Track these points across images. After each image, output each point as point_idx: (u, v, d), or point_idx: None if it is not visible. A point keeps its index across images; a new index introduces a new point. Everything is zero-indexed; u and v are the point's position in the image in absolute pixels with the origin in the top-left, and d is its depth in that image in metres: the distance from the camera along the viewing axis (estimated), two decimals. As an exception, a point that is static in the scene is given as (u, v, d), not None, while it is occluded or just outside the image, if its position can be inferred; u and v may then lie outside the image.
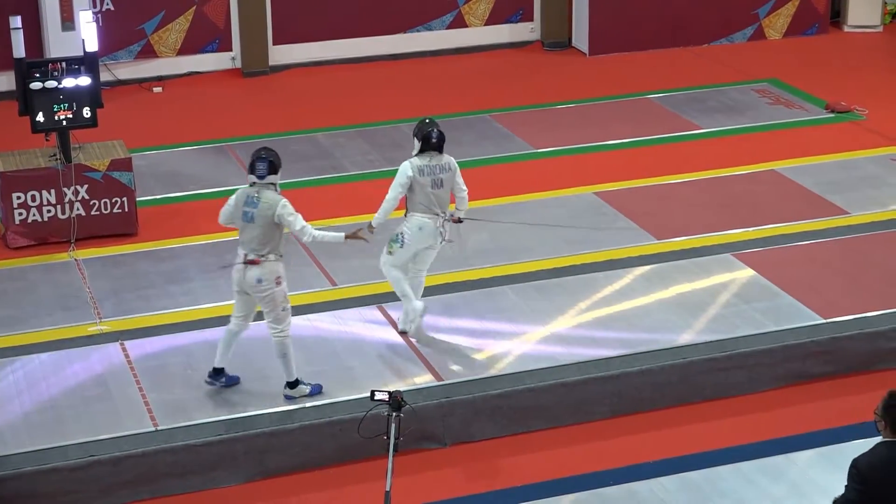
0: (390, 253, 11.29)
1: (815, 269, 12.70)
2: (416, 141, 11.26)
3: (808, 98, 17.69)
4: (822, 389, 11.30)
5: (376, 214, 11.15)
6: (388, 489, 8.18)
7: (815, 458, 10.32)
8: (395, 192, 11.11)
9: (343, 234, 10.50)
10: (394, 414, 8.26)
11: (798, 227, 13.60)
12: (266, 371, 10.97)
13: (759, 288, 12.31)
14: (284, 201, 10.25)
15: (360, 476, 10.13)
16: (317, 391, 10.53)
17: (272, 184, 10.41)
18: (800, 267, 12.75)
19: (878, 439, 7.52)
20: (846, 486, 7.44)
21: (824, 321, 11.68)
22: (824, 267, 12.76)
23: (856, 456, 7.48)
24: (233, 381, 10.69)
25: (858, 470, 7.39)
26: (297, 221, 10.25)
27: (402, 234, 11.24)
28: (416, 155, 11.20)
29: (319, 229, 10.48)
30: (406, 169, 11.11)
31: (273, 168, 10.40)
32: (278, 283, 10.26)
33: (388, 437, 8.23)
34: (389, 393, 8.31)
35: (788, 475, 10.11)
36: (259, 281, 10.23)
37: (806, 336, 11.47)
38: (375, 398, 8.32)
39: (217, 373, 10.64)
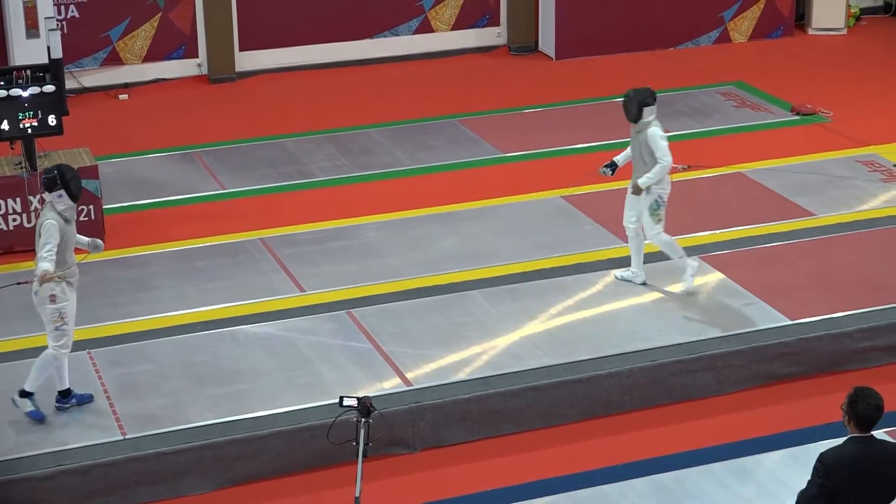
0: (659, 220, 11.78)
1: (781, 271, 12.77)
2: (649, 108, 11.62)
3: (773, 101, 17.78)
4: (790, 390, 11.36)
5: (651, 175, 11.62)
6: (357, 495, 8.18)
7: (784, 458, 10.36)
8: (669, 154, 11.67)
9: (45, 267, 9.88)
10: (363, 419, 8.26)
11: (765, 230, 13.67)
12: (234, 378, 10.95)
13: (727, 290, 12.36)
14: (47, 223, 9.94)
15: (331, 482, 10.11)
16: (36, 417, 10.28)
17: (53, 202, 10.03)
18: (767, 269, 12.82)
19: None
20: (809, 480, 7.48)
21: (791, 322, 11.74)
22: (791, 269, 12.83)
23: (822, 451, 7.53)
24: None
25: (824, 464, 7.44)
26: (43, 247, 9.93)
27: (660, 197, 11.74)
28: (654, 119, 11.70)
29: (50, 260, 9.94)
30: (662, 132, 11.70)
31: (49, 184, 10.02)
32: (52, 301, 10.06)
33: (358, 443, 8.22)
34: (358, 398, 8.30)
35: (757, 476, 10.16)
36: (35, 293, 10.12)
37: (773, 337, 11.52)
38: (344, 404, 8.31)
39: (64, 395, 10.48)
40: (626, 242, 12.38)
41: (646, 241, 12.16)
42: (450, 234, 13.69)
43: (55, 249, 9.93)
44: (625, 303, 12.14)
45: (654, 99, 11.71)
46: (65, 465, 9.84)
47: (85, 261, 10.60)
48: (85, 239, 10.53)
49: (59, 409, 10.47)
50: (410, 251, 13.29)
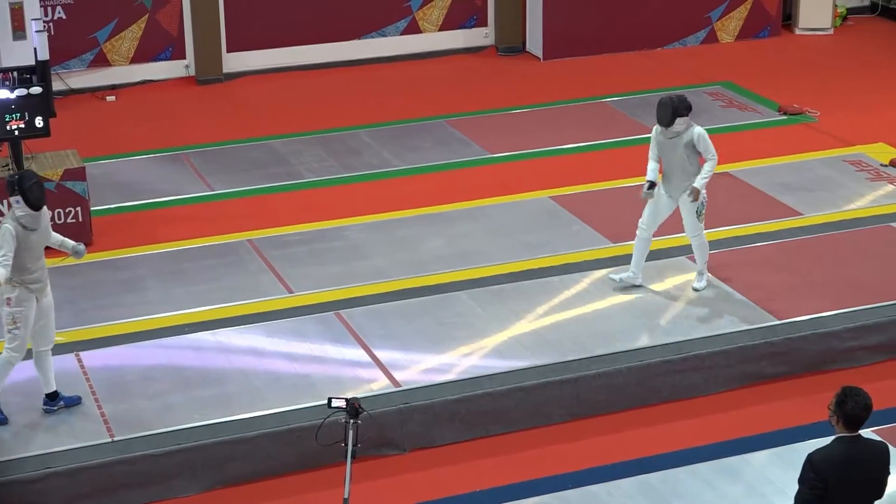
0: (703, 221, 11.88)
1: (768, 271, 12.80)
2: (682, 119, 11.68)
3: (760, 100, 17.82)
4: (777, 390, 11.39)
5: (706, 175, 11.72)
6: (346, 496, 8.19)
7: (771, 458, 10.38)
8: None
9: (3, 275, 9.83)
10: (351, 421, 8.26)
11: (752, 229, 13.70)
12: (223, 380, 10.95)
13: (714, 290, 12.39)
14: (3, 228, 9.87)
15: (321, 483, 10.11)
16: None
17: (14, 207, 9.97)
18: (754, 269, 12.85)
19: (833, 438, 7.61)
20: (800, 484, 7.50)
21: (779, 322, 11.77)
22: (778, 268, 12.86)
23: (810, 452, 7.55)
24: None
25: (813, 465, 7.46)
26: None
27: (705, 197, 11.82)
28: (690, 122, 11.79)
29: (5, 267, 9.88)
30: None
31: (9, 189, 9.94)
32: (7, 304, 9.99)
33: (346, 444, 8.23)
34: (347, 400, 8.30)
35: (745, 476, 10.18)
36: None
37: (761, 337, 11.55)
38: (333, 405, 8.31)
39: (52, 398, 10.48)
40: (614, 242, 12.36)
41: (693, 241, 12.11)
42: (438, 234, 13.70)
43: (10, 255, 9.81)
44: (612, 303, 12.15)
45: (690, 109, 11.73)
46: (52, 468, 9.82)
47: (76, 263, 10.55)
48: (70, 242, 10.50)
49: (46, 411, 10.45)
50: (398, 252, 13.29)
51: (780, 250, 13.26)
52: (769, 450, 10.47)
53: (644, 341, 11.48)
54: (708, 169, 11.73)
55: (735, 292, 12.30)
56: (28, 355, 10.36)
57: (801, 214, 14.05)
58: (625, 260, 12.70)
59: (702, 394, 11.30)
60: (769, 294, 12.26)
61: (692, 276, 12.54)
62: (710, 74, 18.95)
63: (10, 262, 9.83)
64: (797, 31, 21.02)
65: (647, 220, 12.05)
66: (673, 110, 11.64)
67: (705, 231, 12.15)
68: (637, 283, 12.26)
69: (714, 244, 13.26)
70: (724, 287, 12.41)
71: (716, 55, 19.98)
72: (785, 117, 17.19)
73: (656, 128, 11.90)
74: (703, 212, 11.91)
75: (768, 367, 11.48)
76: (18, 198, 9.91)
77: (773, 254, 13.18)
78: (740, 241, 13.41)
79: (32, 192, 9.92)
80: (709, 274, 12.34)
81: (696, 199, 11.75)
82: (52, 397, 10.48)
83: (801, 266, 12.91)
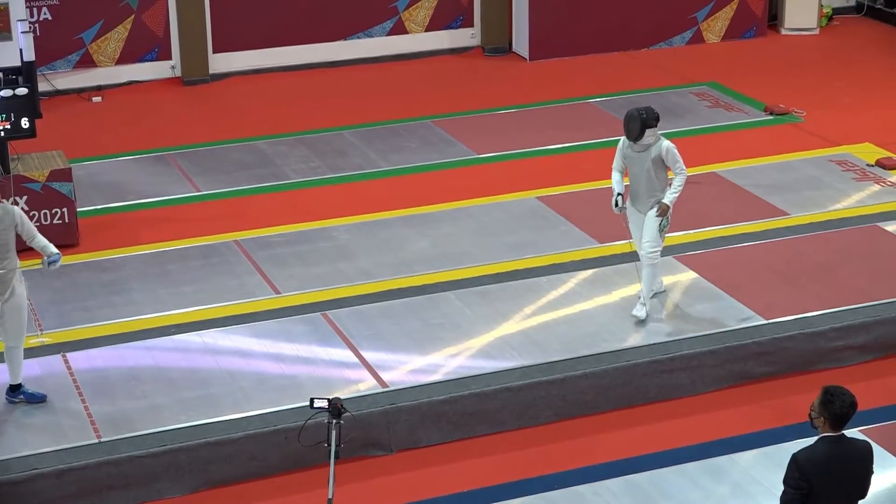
0: (663, 238, 11.63)
1: (755, 271, 12.81)
2: (651, 130, 11.45)
3: (747, 101, 17.84)
4: (764, 390, 11.40)
5: (677, 189, 11.48)
6: (330, 497, 8.17)
7: (758, 457, 10.40)
8: None
9: None
10: (334, 421, 8.24)
11: (738, 229, 13.72)
12: (209, 381, 10.93)
13: (701, 290, 12.40)
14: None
15: (306, 484, 10.10)
16: (38, 398, 10.42)
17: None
18: (740, 268, 12.86)
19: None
20: (785, 484, 7.51)
21: (765, 322, 11.79)
22: (765, 268, 12.87)
23: (795, 452, 7.57)
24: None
25: (797, 464, 7.48)
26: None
27: (670, 218, 11.60)
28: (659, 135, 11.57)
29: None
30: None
31: None
32: None
33: (330, 445, 8.21)
34: (329, 400, 8.28)
35: (732, 475, 10.19)
36: None
37: (747, 337, 11.56)
38: (315, 406, 8.29)
39: (13, 389, 10.52)
40: (601, 243, 12.29)
41: (648, 260, 11.67)
42: (424, 235, 13.69)
43: None
44: (599, 303, 12.16)
45: (658, 120, 11.48)
46: (39, 469, 9.79)
47: (62, 264, 10.52)
48: (53, 249, 10.39)
49: (8, 401, 10.49)
50: (384, 253, 13.28)
51: (767, 250, 13.27)
52: (756, 449, 10.48)
53: (631, 341, 11.49)
54: (678, 184, 11.48)
55: (722, 292, 12.31)
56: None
57: (788, 214, 14.07)
58: (611, 260, 12.74)
59: (689, 394, 11.31)
60: (756, 294, 12.27)
61: (681, 276, 12.56)
62: (696, 75, 18.97)
63: None
64: (783, 32, 21.05)
65: (638, 244, 11.77)
66: (642, 123, 11.39)
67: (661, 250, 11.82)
68: (662, 290, 12.17)
69: (701, 244, 13.31)
70: (712, 287, 12.42)
71: (702, 55, 20.00)
72: (771, 117, 17.22)
73: (623, 139, 11.69)
74: (667, 228, 11.65)
75: (755, 366, 11.49)
76: None
77: (759, 254, 13.19)
78: (727, 242, 13.42)
79: None
80: (648, 304, 11.82)
81: (663, 216, 11.52)
82: (15, 389, 10.51)
83: (787, 266, 12.92)
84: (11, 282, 10.21)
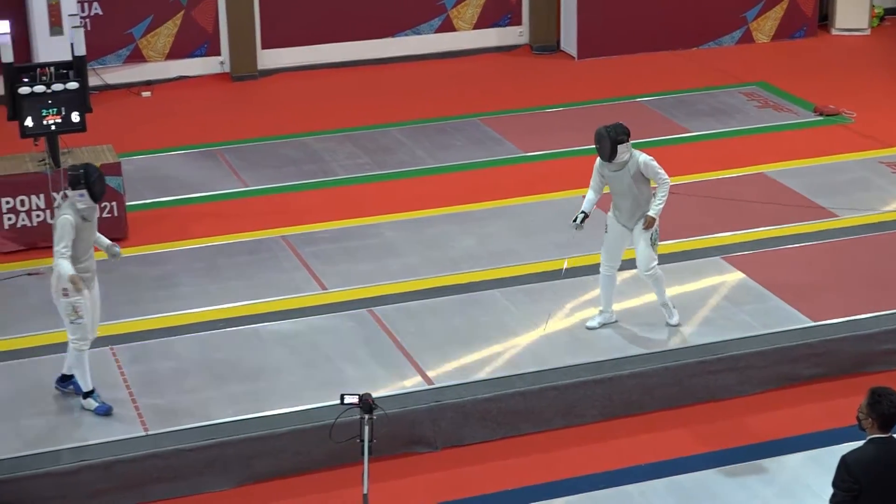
0: (656, 251, 11.42)
1: (804, 272, 12.73)
2: (623, 146, 11.17)
3: (796, 101, 17.73)
4: (813, 392, 11.32)
5: (661, 201, 11.21)
6: (365, 492, 8.16)
7: (805, 460, 10.33)
8: None
9: (70, 272, 10.03)
10: (366, 416, 8.24)
11: (787, 230, 13.63)
12: (256, 375, 10.97)
13: (749, 291, 12.33)
14: (63, 219, 10.07)
15: (349, 480, 10.07)
16: (102, 411, 10.38)
17: (74, 199, 10.15)
18: (789, 270, 12.78)
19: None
20: (835, 483, 7.46)
21: (814, 324, 11.70)
22: (813, 270, 12.79)
23: (844, 454, 7.52)
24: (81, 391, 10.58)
25: (847, 466, 7.43)
26: (58, 243, 10.08)
27: (658, 229, 11.38)
28: (631, 150, 11.28)
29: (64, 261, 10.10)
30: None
31: (74, 182, 10.09)
32: (65, 295, 10.13)
33: (362, 440, 8.21)
34: (360, 396, 8.28)
35: (779, 477, 10.12)
36: (51, 286, 10.26)
37: (797, 339, 11.49)
38: (346, 402, 8.28)
39: (63, 380, 10.63)
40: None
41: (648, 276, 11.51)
42: (470, 233, 13.69)
43: (70, 245, 10.04)
44: (646, 302, 12.09)
45: (628, 135, 11.20)
46: (86, 461, 9.87)
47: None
48: (106, 241, 10.60)
49: (57, 389, 10.61)
50: (430, 250, 13.29)
51: (816, 252, 13.18)
52: (804, 452, 10.41)
53: (678, 341, 11.43)
54: (662, 195, 11.22)
55: (770, 293, 12.24)
56: (56, 349, 10.44)
57: (837, 216, 13.96)
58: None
59: (736, 395, 11.24)
60: (804, 295, 12.18)
61: (728, 277, 12.49)
62: (745, 74, 18.87)
63: (69, 254, 10.01)
64: (833, 32, 20.90)
65: (607, 258, 11.54)
66: (612, 141, 11.13)
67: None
68: (614, 321, 11.76)
69: (749, 245, 13.23)
70: (760, 288, 12.35)
71: (751, 55, 19.90)
72: (821, 118, 17.10)
73: (598, 160, 11.43)
74: (658, 240, 11.45)
75: (804, 368, 11.41)
76: (84, 191, 10.10)
77: (808, 255, 13.10)
78: (775, 243, 13.34)
79: (98, 185, 10.16)
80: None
81: (650, 228, 11.29)
82: (64, 380, 10.63)
83: (836, 268, 12.83)
84: (95, 270, 10.42)
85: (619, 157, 11.18)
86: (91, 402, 10.43)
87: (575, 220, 11.41)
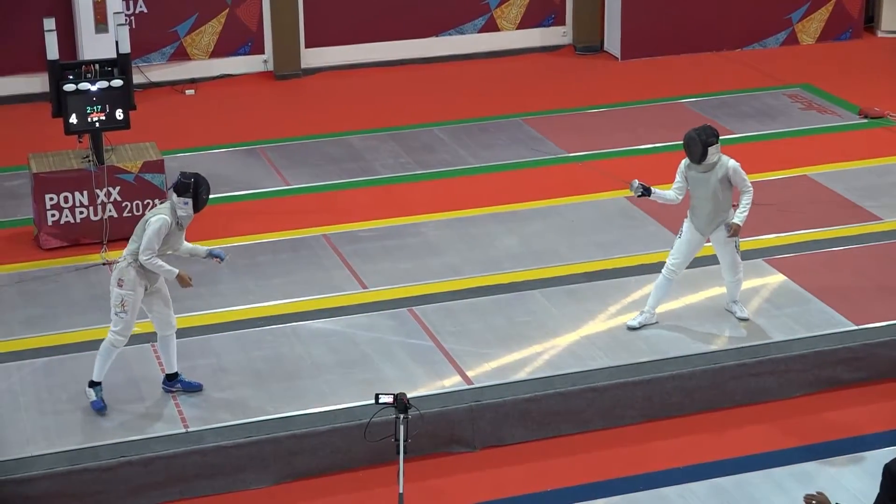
0: (739, 256, 11.53)
1: (847, 276, 12.64)
2: (714, 147, 11.16)
3: (840, 103, 17.61)
4: (854, 396, 11.25)
5: (746, 208, 11.27)
6: (400, 491, 8.17)
7: (846, 464, 10.26)
8: None
9: (176, 271, 10.33)
10: (401, 416, 8.24)
11: (830, 233, 13.55)
12: (295, 373, 11.00)
13: (791, 293, 12.26)
14: (159, 219, 10.20)
15: (388, 478, 10.07)
16: (96, 407, 10.42)
17: (176, 205, 10.31)
18: (832, 273, 12.70)
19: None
20: (880, 495, 7.41)
21: (856, 327, 11.63)
22: (856, 273, 12.70)
23: (887, 462, 7.46)
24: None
25: (891, 473, 7.36)
26: (145, 241, 10.21)
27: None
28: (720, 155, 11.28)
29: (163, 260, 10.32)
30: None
31: (181, 189, 10.25)
32: (119, 285, 10.23)
33: (397, 440, 8.21)
34: (394, 395, 8.29)
35: (819, 481, 10.06)
36: (113, 272, 10.40)
37: (838, 342, 11.41)
38: (380, 401, 8.29)
39: (171, 378, 10.69)
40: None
41: (734, 281, 11.63)
42: (511, 233, 13.68)
43: (156, 247, 10.17)
44: (686, 304, 12.05)
45: (717, 137, 11.19)
46: (126, 457, 9.93)
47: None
48: (203, 249, 10.70)
49: (165, 390, 10.67)
50: (472, 250, 13.28)
51: (859, 255, 13.09)
52: (845, 456, 10.35)
53: (719, 344, 11.38)
54: (746, 202, 11.26)
55: (812, 296, 12.16)
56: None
57: (881, 219, 13.86)
58: (700, 261, 12.59)
59: (777, 398, 11.19)
60: (847, 299, 12.10)
61: (769, 278, 12.43)
62: (789, 76, 18.76)
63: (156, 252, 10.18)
64: (879, 34, 20.75)
65: (674, 263, 11.47)
66: (702, 144, 11.11)
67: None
68: (655, 322, 11.69)
69: (791, 248, 13.16)
70: (802, 291, 12.27)
71: (796, 57, 19.77)
72: (866, 120, 16.97)
73: (684, 162, 11.39)
74: (740, 247, 11.50)
75: (845, 372, 11.34)
76: (188, 200, 10.23)
77: (851, 258, 13.01)
78: (818, 245, 13.26)
79: (203, 196, 10.32)
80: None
81: (736, 235, 11.31)
82: (172, 378, 10.68)
83: (879, 271, 12.74)
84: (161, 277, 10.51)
85: (709, 158, 11.19)
86: (91, 393, 10.47)
87: (637, 186, 11.37)
